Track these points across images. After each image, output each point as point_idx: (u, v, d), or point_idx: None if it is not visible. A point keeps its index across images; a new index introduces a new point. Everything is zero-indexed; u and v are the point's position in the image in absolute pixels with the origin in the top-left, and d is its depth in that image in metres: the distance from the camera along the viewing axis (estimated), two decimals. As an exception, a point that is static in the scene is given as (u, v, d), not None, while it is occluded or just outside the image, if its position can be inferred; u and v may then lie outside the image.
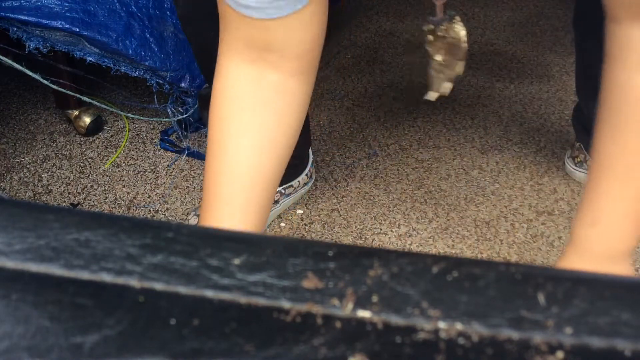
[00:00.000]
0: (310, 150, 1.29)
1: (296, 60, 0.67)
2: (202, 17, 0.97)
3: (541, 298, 0.21)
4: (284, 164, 0.75)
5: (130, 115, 1.49)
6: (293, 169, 1.24)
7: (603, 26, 0.61)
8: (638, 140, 0.61)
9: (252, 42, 0.65)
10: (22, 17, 1.17)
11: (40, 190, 1.33)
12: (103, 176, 1.36)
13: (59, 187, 1.34)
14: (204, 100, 1.17)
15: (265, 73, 0.68)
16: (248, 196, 0.70)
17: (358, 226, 1.22)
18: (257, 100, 0.69)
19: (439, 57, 0.81)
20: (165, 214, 1.27)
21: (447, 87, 0.85)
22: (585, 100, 1.20)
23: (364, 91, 1.60)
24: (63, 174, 1.37)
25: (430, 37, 0.80)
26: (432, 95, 0.85)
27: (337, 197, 1.29)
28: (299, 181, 1.25)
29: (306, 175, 1.27)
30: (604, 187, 0.64)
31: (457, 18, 0.80)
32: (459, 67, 0.83)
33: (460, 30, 0.79)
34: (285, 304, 0.21)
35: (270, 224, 1.25)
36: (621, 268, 0.66)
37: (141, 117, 1.49)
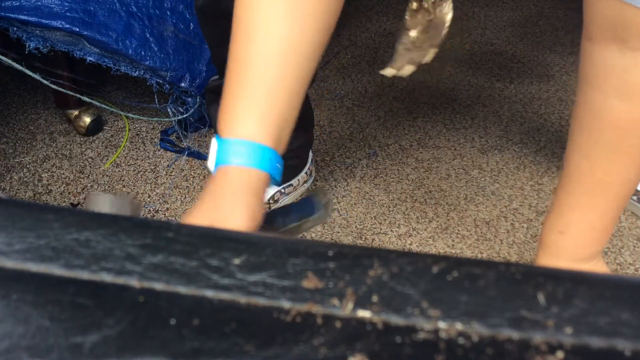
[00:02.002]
0: (310, 149, 1.30)
1: None
2: (220, 9, 0.96)
3: (541, 298, 0.21)
4: (315, 62, 0.64)
5: (130, 115, 1.49)
6: (293, 168, 1.24)
7: None
8: (607, 160, 0.63)
9: None
10: (22, 17, 1.17)
11: (40, 190, 1.33)
12: (103, 176, 1.36)
13: (59, 187, 1.34)
14: (212, 94, 1.17)
15: None
16: (274, 84, 0.60)
17: (358, 226, 1.22)
18: None
19: (413, 33, 0.74)
20: (165, 214, 1.27)
21: (408, 69, 0.77)
22: None
23: (364, 91, 1.60)
24: (63, 174, 1.37)
25: (414, 6, 0.72)
26: (388, 72, 0.77)
27: (337, 197, 1.29)
28: (298, 180, 1.25)
29: (306, 173, 1.27)
30: (573, 199, 0.67)
31: None
32: (429, 54, 0.76)
33: (447, 12, 0.73)
34: (285, 304, 0.21)
35: (270, 224, 1.25)
36: (591, 266, 0.70)
37: (141, 117, 1.49)
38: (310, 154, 1.29)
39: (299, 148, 1.21)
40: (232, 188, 0.55)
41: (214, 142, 0.58)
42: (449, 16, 0.72)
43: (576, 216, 0.67)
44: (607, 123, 0.62)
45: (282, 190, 1.24)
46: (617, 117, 0.61)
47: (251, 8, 0.60)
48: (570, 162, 0.67)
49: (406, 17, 0.73)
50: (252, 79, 0.59)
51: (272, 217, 0.77)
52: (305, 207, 0.83)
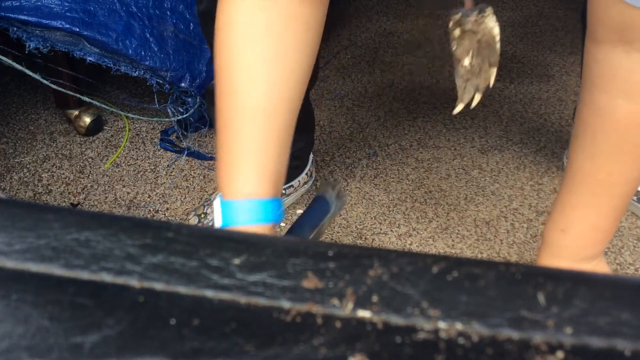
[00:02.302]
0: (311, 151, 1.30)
1: None
2: None
3: (541, 298, 0.21)
4: (300, 98, 0.65)
5: (130, 115, 1.49)
6: (294, 169, 1.24)
7: None
8: (611, 161, 0.63)
9: None
10: (22, 17, 1.17)
11: (40, 190, 1.33)
12: (103, 176, 1.36)
13: (59, 187, 1.34)
14: (212, 95, 1.17)
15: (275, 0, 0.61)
16: (265, 137, 0.62)
17: (358, 226, 1.22)
18: (269, 30, 0.61)
19: (466, 62, 0.71)
20: (165, 214, 1.27)
21: (477, 98, 0.74)
22: None
23: (364, 91, 1.60)
24: (63, 174, 1.37)
25: (457, 32, 0.68)
26: (458, 108, 0.74)
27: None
28: (299, 181, 1.25)
29: (306, 174, 1.27)
30: (576, 198, 0.67)
31: (490, 10, 0.68)
32: (492, 75, 0.72)
33: (493, 27, 0.68)
34: (285, 304, 0.21)
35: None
36: (592, 266, 0.70)
37: (141, 117, 1.49)
38: (311, 155, 1.29)
39: (300, 150, 1.21)
40: None
41: (217, 203, 0.61)
42: (496, 30, 0.68)
43: (579, 215, 0.67)
44: (611, 124, 0.62)
45: (283, 192, 1.24)
46: (622, 117, 0.61)
47: (231, 59, 0.61)
48: (574, 162, 0.67)
49: (452, 46, 0.70)
50: (243, 134, 0.61)
51: (294, 233, 0.78)
52: (320, 208, 0.84)
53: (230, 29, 0.62)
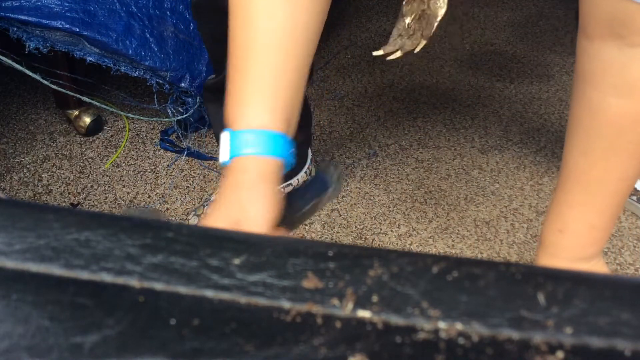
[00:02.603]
0: (309, 148, 1.30)
1: None
2: (216, 5, 0.95)
3: (541, 298, 0.21)
4: (315, 43, 0.64)
5: (130, 115, 1.49)
6: (292, 167, 1.23)
7: None
8: (605, 158, 0.63)
9: None
10: (22, 17, 1.17)
11: (40, 190, 1.33)
12: (103, 176, 1.36)
13: (59, 187, 1.34)
14: (210, 92, 1.17)
15: None
16: (279, 73, 0.60)
17: (358, 226, 1.22)
18: None
19: (407, 20, 0.76)
20: (165, 214, 1.27)
21: (396, 54, 0.80)
22: None
23: (364, 91, 1.60)
24: (63, 174, 1.37)
25: None
26: (378, 52, 0.80)
27: (337, 197, 1.29)
28: (298, 179, 1.25)
29: (305, 172, 1.27)
30: (571, 197, 0.67)
31: None
32: (420, 44, 0.78)
33: (440, 7, 0.74)
34: (285, 304, 0.21)
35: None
36: (591, 266, 0.69)
37: (141, 117, 1.49)
38: (310, 153, 1.29)
39: (298, 146, 1.20)
40: (249, 179, 0.56)
41: (225, 135, 0.58)
42: (441, 10, 0.74)
43: (575, 214, 0.67)
44: (605, 120, 0.62)
45: (282, 190, 1.23)
46: (615, 113, 0.61)
47: None
48: (569, 161, 0.67)
49: (403, 3, 0.75)
50: (256, 67, 0.59)
51: (290, 201, 0.78)
52: (319, 185, 0.85)
53: None
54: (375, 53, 0.78)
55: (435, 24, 0.74)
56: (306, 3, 0.60)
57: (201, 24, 1.07)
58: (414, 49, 0.78)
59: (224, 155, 0.57)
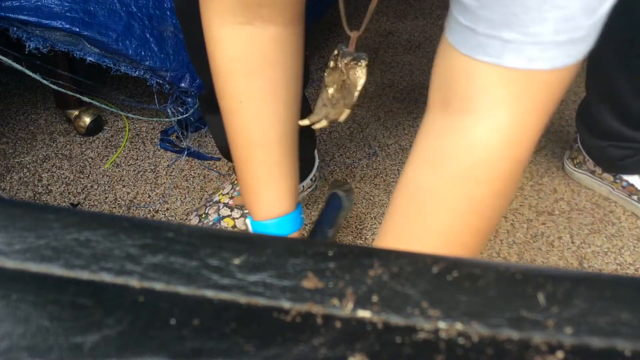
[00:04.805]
0: (316, 152, 1.27)
1: (288, 9, 0.67)
2: (197, 10, 0.93)
3: (541, 298, 0.21)
4: (299, 112, 0.75)
5: (130, 115, 1.49)
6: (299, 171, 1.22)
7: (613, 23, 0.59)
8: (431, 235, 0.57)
9: (244, 2, 0.64)
10: (22, 17, 1.17)
11: (40, 190, 1.33)
12: (103, 176, 1.36)
13: (59, 187, 1.34)
14: (206, 104, 1.15)
15: (263, 29, 0.67)
16: (279, 163, 0.73)
17: (358, 226, 1.22)
18: (264, 60, 0.68)
19: (330, 90, 0.75)
20: (165, 214, 1.27)
21: (322, 123, 0.80)
22: (596, 101, 1.18)
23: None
24: (63, 174, 1.37)
25: (332, 64, 0.74)
26: (304, 122, 0.80)
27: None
28: (303, 185, 1.23)
29: (311, 180, 1.25)
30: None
31: (364, 62, 0.72)
32: (344, 113, 0.76)
33: (359, 77, 0.72)
34: (285, 304, 0.21)
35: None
36: None
37: (141, 117, 1.49)
38: (317, 160, 1.27)
39: (303, 150, 1.19)
40: None
41: (249, 224, 0.76)
42: (361, 81, 0.74)
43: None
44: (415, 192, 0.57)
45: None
46: (422, 187, 0.56)
47: (237, 105, 0.70)
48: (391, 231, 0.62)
49: (325, 74, 0.76)
50: (261, 164, 0.72)
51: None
52: (332, 210, 0.91)
53: (226, 65, 0.68)
54: (301, 122, 0.79)
55: (356, 94, 0.74)
56: (288, 86, 0.71)
57: (184, 30, 1.01)
58: (338, 118, 0.79)
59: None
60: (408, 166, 0.59)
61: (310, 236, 0.87)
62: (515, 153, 0.52)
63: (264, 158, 0.72)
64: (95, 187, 1.34)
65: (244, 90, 0.68)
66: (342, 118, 0.78)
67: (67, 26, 1.19)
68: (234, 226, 1.19)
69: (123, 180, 1.35)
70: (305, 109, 1.25)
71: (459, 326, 0.20)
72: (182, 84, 1.30)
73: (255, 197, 0.73)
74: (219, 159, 1.39)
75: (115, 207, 1.29)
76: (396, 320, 0.21)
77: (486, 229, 0.56)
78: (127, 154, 1.42)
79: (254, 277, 0.22)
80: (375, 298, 0.21)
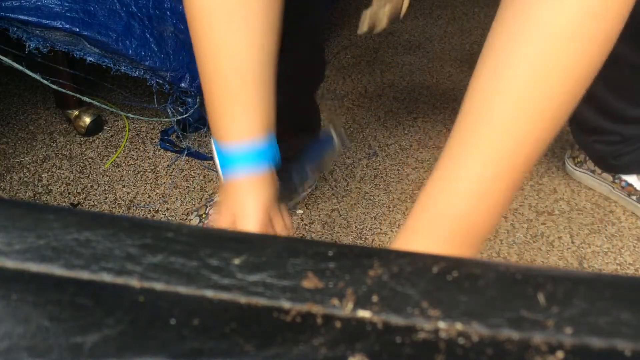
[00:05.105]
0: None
1: None
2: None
3: (541, 298, 0.21)
4: (278, 39, 0.70)
5: (130, 115, 1.49)
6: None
7: None
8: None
9: None
10: (22, 17, 1.17)
11: (40, 190, 1.33)
12: (103, 176, 1.36)
13: (59, 187, 1.34)
14: None
15: None
16: (252, 88, 0.67)
17: (358, 226, 1.22)
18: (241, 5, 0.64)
19: None
20: (165, 214, 1.27)
21: (384, 21, 0.74)
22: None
23: (364, 91, 1.59)
24: (63, 174, 1.37)
25: None
26: (363, 28, 0.74)
27: (337, 197, 1.29)
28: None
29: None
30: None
31: None
32: (404, 3, 0.72)
33: None
34: (285, 304, 0.21)
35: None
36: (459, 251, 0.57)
37: (141, 117, 1.49)
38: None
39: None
40: (240, 192, 0.66)
41: (214, 148, 0.68)
42: None
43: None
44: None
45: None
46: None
47: (210, 30, 0.66)
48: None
49: None
50: (227, 89, 0.67)
51: (288, 178, 0.81)
52: (319, 148, 0.87)
53: (203, 8, 0.64)
54: (360, 31, 0.74)
55: None
56: (259, 29, 0.67)
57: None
58: (399, 14, 0.74)
59: (218, 166, 0.68)
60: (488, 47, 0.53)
61: (284, 170, 0.77)
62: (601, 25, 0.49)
63: (235, 78, 0.65)
64: (95, 187, 1.34)
65: (216, 8, 0.64)
66: (404, 8, 0.73)
67: (67, 26, 1.19)
68: (234, 226, 1.19)
69: (123, 180, 1.35)
70: (314, 109, 1.25)
71: (459, 326, 0.20)
72: (182, 84, 1.30)
73: (223, 117, 0.67)
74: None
75: (115, 207, 1.29)
76: (396, 320, 0.21)
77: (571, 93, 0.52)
78: (127, 154, 1.42)
79: (254, 277, 0.22)
80: (375, 298, 0.21)
